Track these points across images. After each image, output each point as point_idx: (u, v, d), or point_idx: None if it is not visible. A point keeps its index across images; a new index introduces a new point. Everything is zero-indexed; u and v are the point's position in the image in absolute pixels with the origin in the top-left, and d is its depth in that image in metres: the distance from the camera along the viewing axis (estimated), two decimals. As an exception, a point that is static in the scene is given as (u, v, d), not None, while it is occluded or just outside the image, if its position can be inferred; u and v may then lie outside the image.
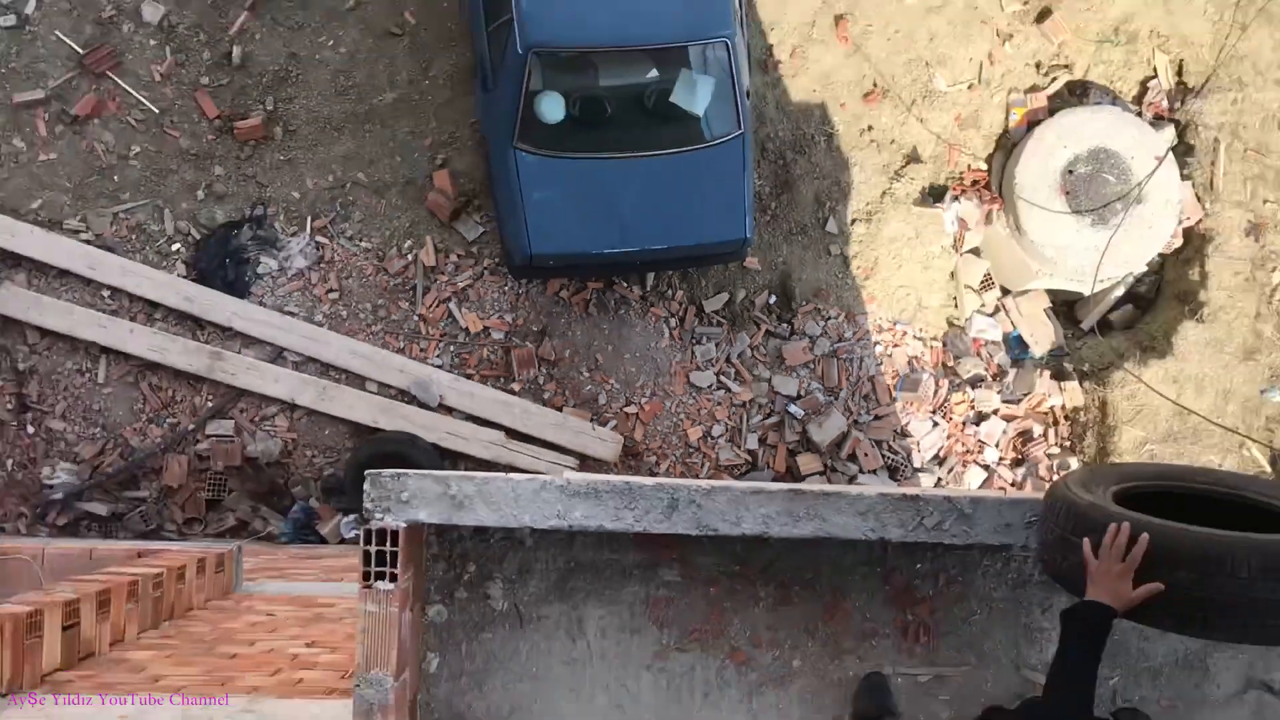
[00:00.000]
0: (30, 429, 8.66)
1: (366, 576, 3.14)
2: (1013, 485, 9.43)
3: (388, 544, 3.14)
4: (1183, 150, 9.60)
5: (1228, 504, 3.07)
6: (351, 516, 8.63)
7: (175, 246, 8.80)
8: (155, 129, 8.79)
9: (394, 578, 3.13)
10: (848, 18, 9.29)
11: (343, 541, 8.58)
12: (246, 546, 7.05)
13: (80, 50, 8.70)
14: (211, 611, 5.28)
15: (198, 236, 8.83)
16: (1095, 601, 2.76)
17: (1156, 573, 2.69)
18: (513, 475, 3.29)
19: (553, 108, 7.82)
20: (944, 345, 9.54)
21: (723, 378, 9.17)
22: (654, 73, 7.97)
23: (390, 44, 8.95)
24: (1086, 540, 2.81)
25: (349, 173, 8.92)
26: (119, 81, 8.75)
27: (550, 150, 7.88)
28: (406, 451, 8.36)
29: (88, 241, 8.68)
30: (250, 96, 8.86)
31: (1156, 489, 3.14)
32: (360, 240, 8.93)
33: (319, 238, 8.90)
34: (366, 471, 3.22)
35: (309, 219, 8.90)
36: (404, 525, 3.17)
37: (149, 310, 8.70)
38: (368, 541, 3.15)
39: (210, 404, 8.73)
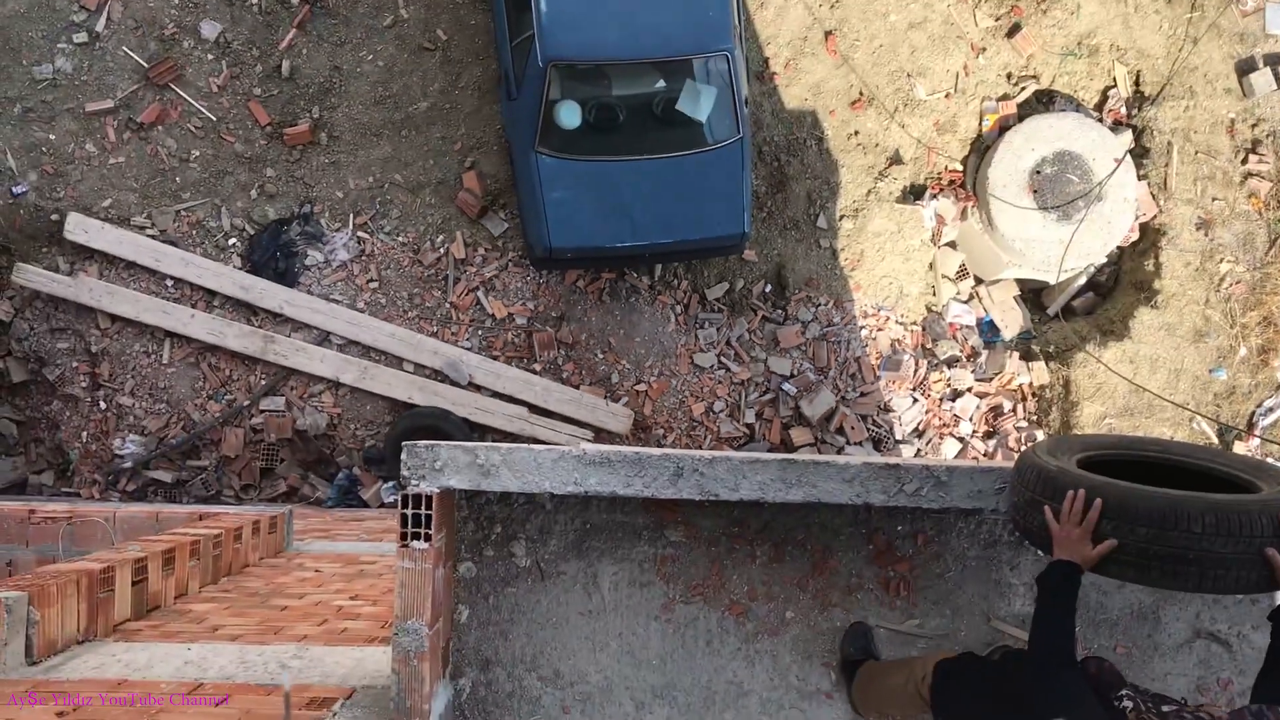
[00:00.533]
0: (102, 405, 8.70)
1: (404, 537, 3.14)
2: (985, 455, 9.41)
3: (423, 508, 3.14)
4: (1139, 153, 9.54)
5: (1177, 469, 3.06)
6: (390, 483, 8.65)
7: (231, 241, 8.81)
8: (213, 135, 8.79)
9: (428, 538, 3.13)
10: (836, 33, 9.23)
11: (382, 505, 8.61)
12: (296, 510, 7.06)
13: (145, 64, 8.69)
14: (265, 568, 5.29)
15: (251, 232, 8.83)
16: (1062, 560, 2.76)
17: (1120, 529, 2.68)
18: (534, 446, 3.29)
19: (570, 115, 7.79)
20: (923, 329, 9.51)
21: (723, 359, 9.15)
22: (661, 83, 7.93)
23: (424, 58, 8.92)
24: (1047, 508, 2.80)
25: (387, 174, 8.91)
26: (180, 92, 8.74)
27: (568, 153, 7.85)
28: (439, 425, 8.37)
29: (153, 236, 8.68)
30: (298, 105, 8.85)
31: (1115, 457, 3.13)
32: (397, 235, 8.92)
33: (360, 233, 8.89)
34: (404, 443, 3.22)
35: (351, 216, 8.89)
36: (437, 491, 3.16)
37: (208, 298, 8.72)
38: (405, 505, 3.14)
39: (264, 382, 8.75)
